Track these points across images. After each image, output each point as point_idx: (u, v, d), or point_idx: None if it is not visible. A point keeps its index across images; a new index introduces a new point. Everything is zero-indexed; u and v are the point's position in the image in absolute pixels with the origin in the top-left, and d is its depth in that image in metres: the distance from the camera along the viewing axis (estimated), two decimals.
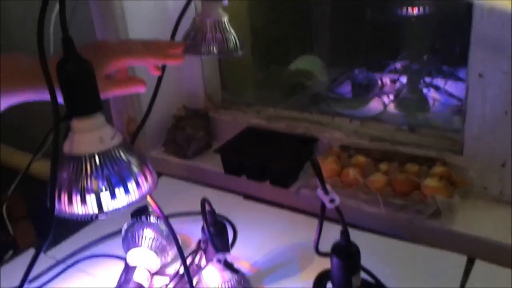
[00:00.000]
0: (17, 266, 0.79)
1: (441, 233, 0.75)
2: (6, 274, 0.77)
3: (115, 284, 0.68)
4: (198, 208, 0.62)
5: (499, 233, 0.72)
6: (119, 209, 0.48)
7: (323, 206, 0.51)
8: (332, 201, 0.50)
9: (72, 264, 0.77)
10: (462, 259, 0.70)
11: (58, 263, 0.78)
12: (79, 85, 0.47)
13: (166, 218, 0.58)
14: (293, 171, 0.91)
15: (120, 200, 0.48)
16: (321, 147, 0.95)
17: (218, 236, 0.62)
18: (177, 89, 1.11)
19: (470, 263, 0.70)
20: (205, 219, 0.60)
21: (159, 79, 0.79)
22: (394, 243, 0.76)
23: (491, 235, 0.72)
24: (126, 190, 0.49)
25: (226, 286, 0.64)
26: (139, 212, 0.77)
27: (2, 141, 1.58)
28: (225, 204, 0.87)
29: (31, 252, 0.83)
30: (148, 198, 0.58)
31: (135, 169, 0.50)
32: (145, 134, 1.07)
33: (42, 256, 0.81)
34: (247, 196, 0.94)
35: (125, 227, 0.72)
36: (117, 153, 0.50)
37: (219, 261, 0.58)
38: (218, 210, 0.65)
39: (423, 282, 0.67)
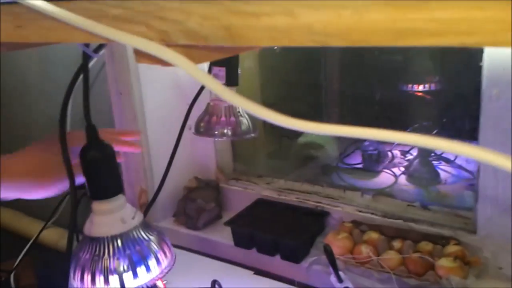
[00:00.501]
0: None
1: None
2: None
3: None
4: (207, 282, 0.61)
5: None
6: (140, 286, 0.48)
7: None
8: None
9: None
10: None
11: None
12: (102, 170, 0.48)
13: None
14: (305, 246, 0.90)
15: (142, 278, 0.49)
16: (332, 221, 0.94)
17: None
18: (189, 160, 1.13)
19: None
20: None
21: (173, 153, 0.81)
22: None
23: None
24: (147, 268, 0.49)
25: None
26: None
27: (11, 206, 1.59)
28: (235, 280, 0.85)
29: None
30: (159, 283, 0.57)
31: (155, 246, 0.51)
32: (156, 205, 1.06)
33: None
34: (257, 271, 0.93)
35: None
36: (138, 233, 0.51)
37: None
38: (228, 286, 0.65)
39: None
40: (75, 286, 0.52)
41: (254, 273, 0.92)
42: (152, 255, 0.54)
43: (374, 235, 0.86)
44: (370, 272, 0.80)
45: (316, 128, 0.25)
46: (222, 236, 1.00)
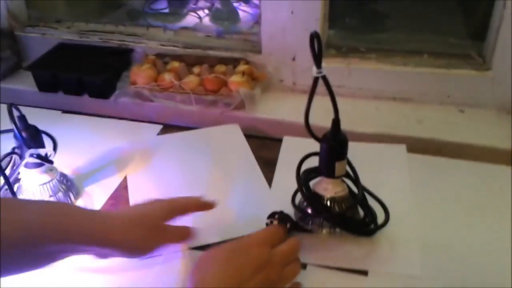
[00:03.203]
0: None
1: (246, 120, 0.86)
2: None
3: None
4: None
5: (293, 115, 0.86)
6: None
7: (315, 79, 0.53)
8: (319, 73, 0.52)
9: None
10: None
11: None
12: None
13: None
14: (111, 82, 0.92)
15: None
16: (136, 56, 0.97)
17: (32, 139, 0.63)
18: None
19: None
20: (14, 122, 0.60)
21: None
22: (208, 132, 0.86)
23: (287, 117, 0.86)
24: None
25: (49, 187, 0.66)
26: None
27: None
28: (43, 120, 0.85)
29: None
30: None
31: None
32: None
33: None
34: (66, 112, 0.94)
35: None
36: None
37: (32, 155, 0.60)
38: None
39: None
40: None
41: (63, 112, 0.92)
42: None
43: (176, 64, 0.93)
44: (173, 95, 0.88)
45: None
46: (24, 83, 0.97)
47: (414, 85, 0.87)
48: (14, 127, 0.61)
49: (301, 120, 0.84)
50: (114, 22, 1.06)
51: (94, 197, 0.70)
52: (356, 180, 0.60)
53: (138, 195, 0.70)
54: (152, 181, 0.73)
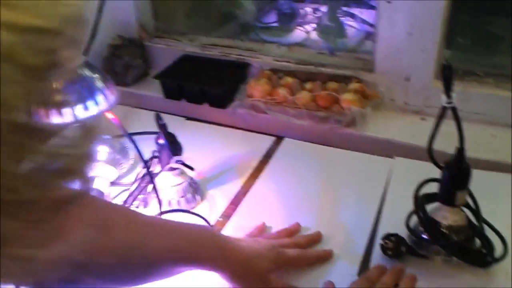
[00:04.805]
0: None
1: (356, 138, 0.89)
2: None
3: None
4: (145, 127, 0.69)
5: (404, 135, 0.88)
6: (91, 116, 0.56)
7: (443, 108, 0.56)
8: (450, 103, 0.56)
9: None
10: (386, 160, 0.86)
11: None
12: None
13: (122, 127, 0.65)
14: (230, 93, 1.00)
15: (92, 110, 0.56)
16: (253, 70, 1.04)
17: (172, 145, 0.70)
18: (110, 19, 1.13)
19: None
20: (160, 127, 0.68)
21: (99, 13, 0.82)
22: (321, 148, 0.90)
23: (397, 137, 0.88)
24: (96, 102, 0.56)
25: (180, 188, 0.74)
26: None
27: None
28: (171, 125, 0.94)
29: None
30: (109, 115, 0.65)
31: (100, 84, 0.58)
32: None
33: None
34: (189, 119, 1.03)
35: None
36: (83, 70, 0.57)
37: (178, 161, 0.67)
38: None
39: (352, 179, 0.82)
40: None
41: (187, 119, 1.01)
42: (99, 91, 0.61)
43: (289, 79, 0.98)
44: (286, 110, 0.93)
45: None
46: (152, 90, 1.07)
47: None
48: (162, 134, 0.69)
49: (412, 141, 0.86)
50: (230, 36, 1.13)
51: (217, 200, 0.77)
52: (477, 212, 0.61)
53: (253, 203, 0.76)
54: (270, 190, 0.79)
